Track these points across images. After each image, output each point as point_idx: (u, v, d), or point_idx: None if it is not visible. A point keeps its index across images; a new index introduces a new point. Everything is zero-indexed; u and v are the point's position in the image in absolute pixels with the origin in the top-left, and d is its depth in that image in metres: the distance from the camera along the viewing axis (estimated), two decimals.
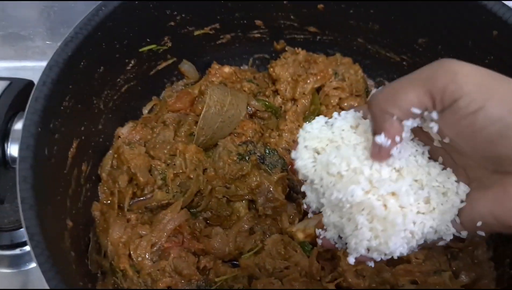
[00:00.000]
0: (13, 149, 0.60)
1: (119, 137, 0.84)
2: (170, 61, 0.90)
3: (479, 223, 0.46)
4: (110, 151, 0.81)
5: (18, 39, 1.06)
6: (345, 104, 0.92)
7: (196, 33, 0.88)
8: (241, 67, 0.99)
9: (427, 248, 0.76)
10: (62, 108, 0.64)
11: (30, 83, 0.64)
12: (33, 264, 0.92)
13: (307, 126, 0.56)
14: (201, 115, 0.81)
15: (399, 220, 0.47)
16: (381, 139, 0.46)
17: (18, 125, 0.61)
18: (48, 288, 0.51)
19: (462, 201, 0.49)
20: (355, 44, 0.94)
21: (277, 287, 0.69)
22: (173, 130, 0.84)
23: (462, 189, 0.49)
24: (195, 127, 0.83)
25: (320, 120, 0.57)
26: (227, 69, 0.94)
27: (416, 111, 0.45)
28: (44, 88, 0.59)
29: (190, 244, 0.73)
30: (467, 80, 0.43)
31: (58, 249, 0.55)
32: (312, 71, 0.92)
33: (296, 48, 0.96)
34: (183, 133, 0.83)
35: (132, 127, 0.85)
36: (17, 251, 0.92)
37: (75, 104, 0.67)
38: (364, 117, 0.55)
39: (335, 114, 0.56)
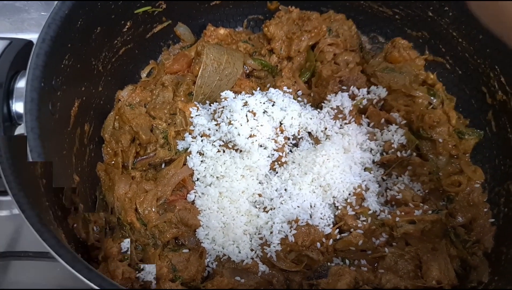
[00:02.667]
0: (17, 106, 0.62)
1: (119, 100, 0.85)
2: (165, 24, 0.91)
3: None
4: (112, 113, 0.82)
5: (13, 11, 1.07)
6: (340, 58, 0.94)
7: None
8: (236, 29, 1.00)
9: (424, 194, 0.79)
10: (62, 66, 0.65)
11: (29, 43, 0.65)
12: None
13: None
14: (199, 73, 0.82)
15: None
16: None
17: (21, 83, 0.62)
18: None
19: None
20: (347, 0, 0.95)
21: None
22: (172, 91, 0.86)
23: None
24: (193, 87, 0.85)
25: None
26: (222, 30, 0.95)
27: None
28: (44, 44, 0.60)
29: None
30: None
31: (67, 199, 0.57)
32: (306, 28, 0.93)
33: (289, 7, 0.96)
34: (182, 93, 0.85)
35: (131, 90, 0.86)
36: (10, 197, 0.95)
37: (74, 63, 0.69)
38: None
39: None
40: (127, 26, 0.82)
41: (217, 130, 0.77)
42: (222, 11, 0.97)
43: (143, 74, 0.92)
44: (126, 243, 0.70)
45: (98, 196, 0.76)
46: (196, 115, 0.80)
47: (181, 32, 0.95)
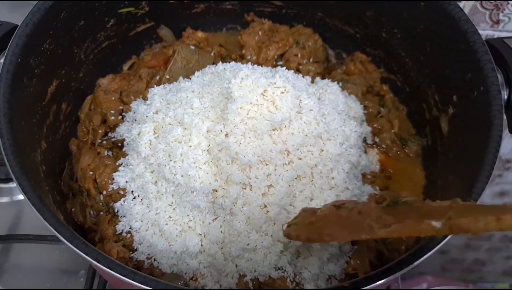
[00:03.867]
0: None
1: (100, 86, 0.97)
2: (148, 25, 1.02)
3: None
4: (89, 97, 0.94)
5: (25, 3, 1.17)
6: (303, 68, 1.03)
7: (171, 1, 1.00)
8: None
9: None
10: (42, 48, 0.77)
11: (16, 26, 0.77)
12: None
13: None
14: (168, 68, 0.93)
15: None
16: None
17: (3, 60, 0.74)
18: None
19: None
20: (316, 17, 1.05)
21: None
22: (145, 82, 0.97)
23: None
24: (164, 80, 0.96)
25: None
26: (200, 34, 1.06)
27: None
28: (27, 28, 0.72)
29: None
30: None
31: (28, 156, 0.68)
32: (274, 39, 1.04)
33: (262, 19, 1.07)
34: (154, 84, 0.96)
35: (112, 78, 0.97)
36: (12, 183, 1.06)
37: (55, 48, 0.80)
38: None
39: None
40: (110, 23, 0.94)
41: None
42: (203, 18, 1.08)
43: (125, 67, 1.03)
44: (120, 226, 0.79)
45: (67, 166, 0.87)
46: (154, 94, 0.89)
47: (164, 34, 1.06)
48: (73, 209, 0.84)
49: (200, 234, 0.77)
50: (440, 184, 0.83)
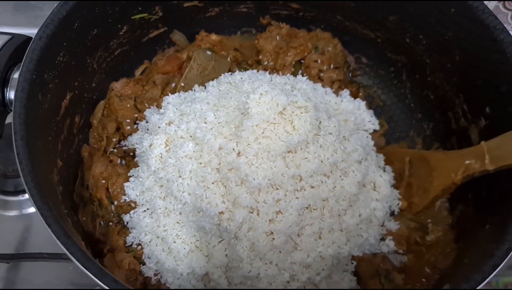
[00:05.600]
0: (11, 94, 0.70)
1: (113, 90, 0.93)
2: (161, 30, 0.98)
3: None
4: (102, 102, 0.90)
5: (28, 8, 1.16)
6: (325, 75, 0.99)
7: (186, 4, 0.96)
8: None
9: None
10: (56, 61, 0.73)
11: (29, 39, 0.73)
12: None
13: None
14: (183, 75, 0.90)
15: None
16: None
17: (17, 75, 0.70)
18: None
19: None
20: (334, 21, 1.01)
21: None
22: (160, 89, 0.93)
23: None
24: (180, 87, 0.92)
25: None
26: (214, 36, 1.02)
27: None
28: (40, 41, 0.68)
29: None
30: None
31: (46, 179, 0.64)
32: (292, 45, 1.00)
33: (280, 23, 1.03)
34: (168, 92, 0.92)
35: (125, 82, 0.93)
36: (20, 197, 1.03)
37: (69, 60, 0.76)
38: None
39: None
40: (123, 30, 0.90)
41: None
42: (217, 22, 1.04)
43: (137, 73, 0.99)
44: (130, 238, 0.78)
45: (79, 174, 0.84)
46: (168, 103, 0.86)
47: (177, 39, 1.02)
48: (83, 218, 0.81)
49: (206, 256, 0.74)
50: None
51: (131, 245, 0.77)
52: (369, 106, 0.99)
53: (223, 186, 0.71)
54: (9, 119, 0.72)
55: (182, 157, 0.74)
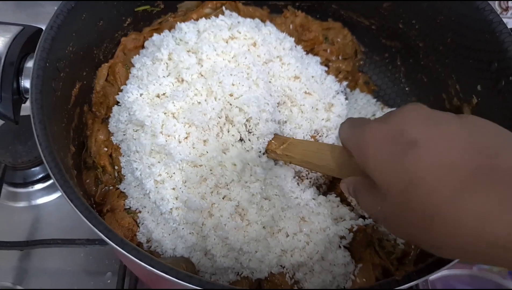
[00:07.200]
0: (25, 83, 0.72)
1: (123, 45, 0.93)
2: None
3: None
4: (105, 65, 0.89)
5: (29, 4, 1.19)
6: (333, 65, 1.02)
7: None
8: None
9: None
10: (66, 51, 0.76)
11: (39, 30, 0.75)
12: (44, 200, 1.06)
13: None
14: None
15: None
16: None
17: (29, 64, 0.72)
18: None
19: None
20: (330, 10, 1.05)
21: None
22: None
23: None
24: None
25: None
26: None
27: None
28: (52, 31, 0.71)
29: None
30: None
31: (63, 161, 0.67)
32: (303, 38, 1.02)
33: (296, 10, 1.05)
34: None
35: (134, 39, 0.94)
36: (30, 188, 1.05)
37: (78, 50, 0.79)
38: None
39: None
40: (127, 22, 0.93)
41: None
42: None
43: None
44: (128, 202, 0.80)
45: (84, 142, 0.87)
46: None
47: None
48: (87, 181, 0.84)
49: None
50: None
51: (129, 208, 0.80)
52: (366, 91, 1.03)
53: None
54: (22, 111, 0.76)
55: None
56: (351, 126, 0.55)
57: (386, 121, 0.49)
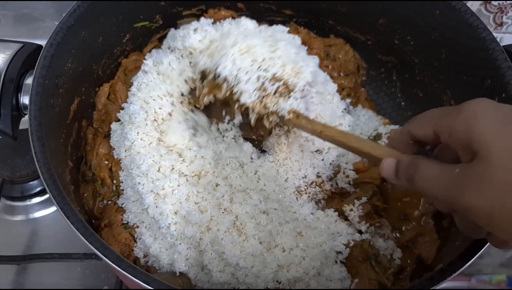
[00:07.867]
0: (24, 99, 0.73)
1: (123, 67, 0.95)
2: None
3: None
4: (106, 84, 0.91)
5: (30, 19, 1.20)
6: (334, 81, 1.01)
7: (185, 13, 1.01)
8: None
9: None
10: (66, 68, 0.77)
11: (39, 47, 0.76)
12: (41, 213, 1.06)
13: None
14: None
15: None
16: None
17: (29, 80, 0.73)
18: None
19: None
20: (327, 25, 1.06)
21: None
22: None
23: None
24: None
25: None
26: None
27: None
28: (51, 48, 0.72)
29: None
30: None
31: (60, 177, 0.68)
32: None
33: (298, 27, 1.06)
34: None
35: (135, 60, 0.96)
36: (27, 202, 1.06)
37: (77, 66, 0.80)
38: None
39: None
40: (126, 38, 0.94)
41: None
42: None
43: None
44: (126, 217, 0.80)
45: (83, 155, 0.88)
46: None
47: None
48: (85, 195, 0.84)
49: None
50: None
51: (127, 223, 0.80)
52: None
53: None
54: (21, 125, 0.76)
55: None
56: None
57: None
